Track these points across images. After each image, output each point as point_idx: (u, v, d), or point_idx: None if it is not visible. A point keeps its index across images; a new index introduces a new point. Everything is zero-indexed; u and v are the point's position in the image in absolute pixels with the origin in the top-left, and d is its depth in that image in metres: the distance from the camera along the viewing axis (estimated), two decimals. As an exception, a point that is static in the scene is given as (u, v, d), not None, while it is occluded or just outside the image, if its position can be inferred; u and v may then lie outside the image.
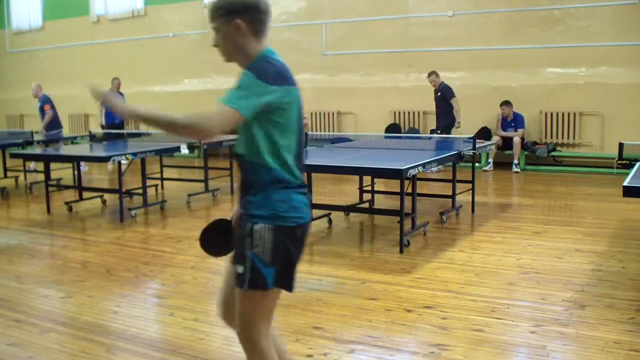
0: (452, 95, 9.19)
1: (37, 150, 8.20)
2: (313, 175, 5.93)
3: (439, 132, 9.19)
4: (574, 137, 9.64)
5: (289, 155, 2.02)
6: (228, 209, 7.08)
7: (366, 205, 6.55)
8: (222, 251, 2.37)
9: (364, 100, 11.11)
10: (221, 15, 2.05)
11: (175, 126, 1.89)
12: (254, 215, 2.00)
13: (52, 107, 10.00)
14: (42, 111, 9.95)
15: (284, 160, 2.00)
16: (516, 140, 9.44)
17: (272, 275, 1.99)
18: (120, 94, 10.86)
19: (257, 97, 1.90)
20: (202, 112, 1.90)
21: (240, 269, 2.02)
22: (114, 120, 10.73)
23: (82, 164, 9.05)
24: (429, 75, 9.44)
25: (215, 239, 2.37)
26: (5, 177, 8.98)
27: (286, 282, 2.05)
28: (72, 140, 9.81)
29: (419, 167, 4.90)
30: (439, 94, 9.34)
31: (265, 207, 1.99)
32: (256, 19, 2.05)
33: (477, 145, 6.07)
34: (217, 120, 1.88)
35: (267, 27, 2.09)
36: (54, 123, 10.06)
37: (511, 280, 4.16)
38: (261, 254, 1.98)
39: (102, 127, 10.70)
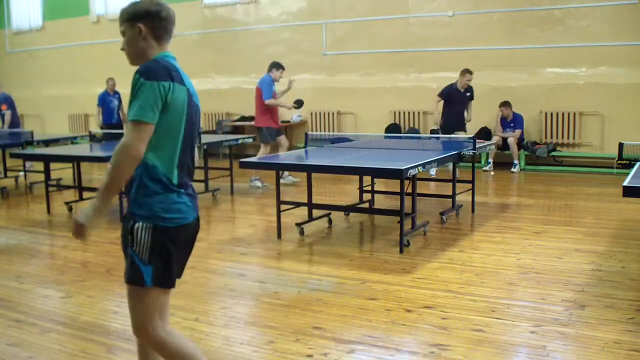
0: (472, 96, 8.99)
1: (38, 150, 8.20)
2: (313, 175, 5.94)
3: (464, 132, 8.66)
4: (574, 137, 9.64)
5: (172, 155, 2.09)
6: (228, 209, 7.08)
7: (366, 205, 6.55)
8: None
9: (364, 100, 11.11)
10: (126, 19, 2.16)
11: (113, 177, 1.98)
12: (134, 214, 2.07)
13: (10, 107, 9.93)
14: None
15: (165, 159, 2.07)
16: (511, 140, 9.43)
17: (150, 274, 2.08)
18: (116, 93, 10.85)
19: (153, 99, 1.99)
20: (118, 146, 2.00)
21: (127, 263, 2.10)
22: (111, 120, 10.74)
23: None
24: (468, 72, 8.77)
25: None
26: (5, 177, 8.98)
27: (165, 281, 2.14)
28: (72, 140, 9.81)
29: (419, 167, 4.90)
30: (468, 94, 8.93)
31: (144, 206, 2.06)
32: (157, 24, 2.17)
33: (477, 145, 6.08)
34: (133, 140, 1.97)
35: (169, 33, 2.25)
36: (13, 123, 9.98)
37: (511, 280, 4.16)
38: (140, 252, 2.06)
39: (101, 127, 10.71)
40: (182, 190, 2.12)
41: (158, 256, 2.07)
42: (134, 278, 2.09)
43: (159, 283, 2.11)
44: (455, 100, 8.84)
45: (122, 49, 2.21)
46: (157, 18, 2.17)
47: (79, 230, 2.04)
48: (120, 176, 1.99)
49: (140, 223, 2.05)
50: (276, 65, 8.09)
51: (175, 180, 2.10)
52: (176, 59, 2.24)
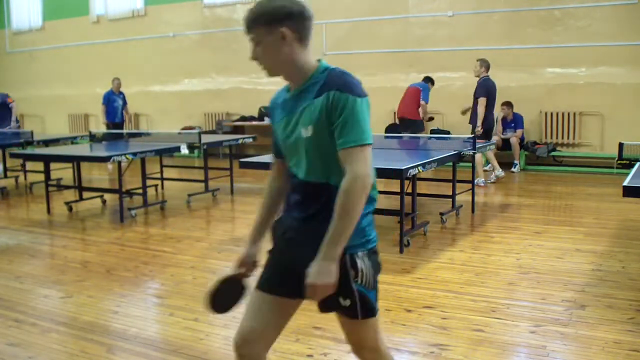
0: (480, 93, 8.11)
1: (38, 150, 8.20)
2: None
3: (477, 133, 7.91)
4: (574, 137, 9.64)
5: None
6: (228, 209, 7.08)
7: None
8: (229, 306, 2.30)
9: (363, 100, 11.10)
10: (262, 24, 1.82)
11: (353, 218, 1.76)
12: (349, 247, 1.81)
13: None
14: None
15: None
16: (513, 140, 9.43)
17: (375, 296, 1.91)
18: (121, 93, 10.87)
19: (369, 117, 1.81)
20: (352, 173, 1.74)
21: (347, 302, 1.86)
22: (114, 119, 10.76)
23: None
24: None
25: (224, 295, 2.27)
26: (5, 177, 8.98)
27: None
28: (72, 140, 9.81)
29: (419, 167, 4.89)
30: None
31: (359, 233, 1.84)
32: (302, 25, 1.84)
33: (477, 145, 6.07)
34: (367, 167, 1.76)
35: (305, 36, 1.86)
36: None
37: (511, 280, 4.16)
38: (366, 282, 1.85)
39: (108, 126, 10.72)
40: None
41: (377, 275, 1.91)
42: (369, 312, 1.89)
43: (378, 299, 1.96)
44: (493, 97, 8.22)
45: (254, 59, 1.88)
46: (300, 18, 1.83)
47: (326, 291, 1.78)
48: (358, 214, 1.76)
49: (360, 253, 1.84)
50: (431, 81, 9.60)
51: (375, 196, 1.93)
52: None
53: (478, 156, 7.80)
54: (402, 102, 9.37)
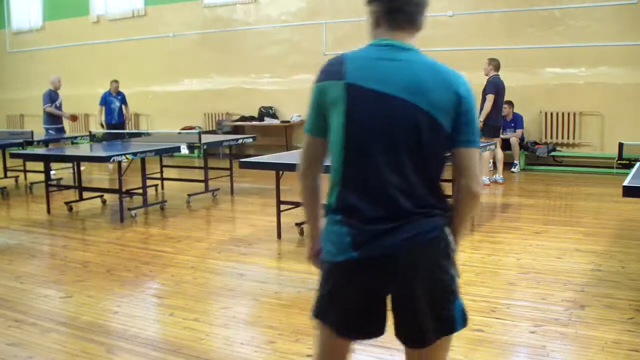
0: (489, 91, 8.12)
1: (38, 150, 8.20)
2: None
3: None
4: (573, 137, 9.63)
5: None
6: (228, 209, 7.08)
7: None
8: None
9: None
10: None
11: (471, 213, 1.79)
12: (440, 224, 1.74)
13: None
14: None
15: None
16: (513, 140, 9.43)
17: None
18: (119, 94, 10.87)
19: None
20: (469, 185, 1.72)
21: (454, 310, 1.75)
22: (111, 120, 10.77)
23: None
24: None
25: None
26: (5, 177, 8.98)
27: None
28: (72, 140, 9.81)
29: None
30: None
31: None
32: (371, 9, 1.76)
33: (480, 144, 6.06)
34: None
35: (387, 17, 1.72)
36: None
37: (511, 280, 4.16)
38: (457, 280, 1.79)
39: (102, 125, 10.74)
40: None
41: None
42: (465, 320, 1.79)
43: None
44: (502, 96, 8.25)
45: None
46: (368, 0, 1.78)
47: None
48: (471, 215, 1.82)
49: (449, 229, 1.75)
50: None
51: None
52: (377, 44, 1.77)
53: (485, 154, 7.83)
54: None
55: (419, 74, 1.67)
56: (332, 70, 1.70)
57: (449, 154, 1.73)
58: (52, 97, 9.95)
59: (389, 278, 1.69)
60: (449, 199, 1.77)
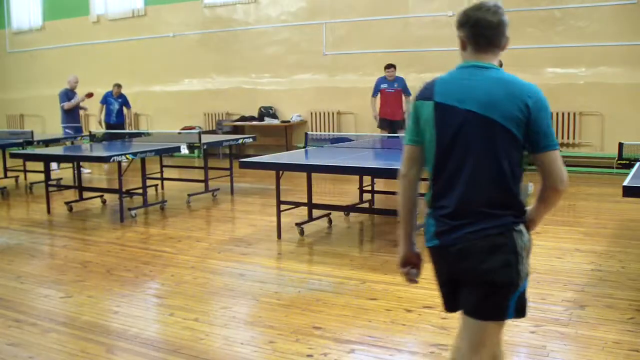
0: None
1: (38, 150, 8.20)
2: (313, 175, 5.93)
3: None
4: (574, 137, 9.63)
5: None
6: (228, 209, 7.08)
7: (366, 205, 6.55)
8: None
9: (364, 100, 11.09)
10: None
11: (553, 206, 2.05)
12: (514, 222, 1.99)
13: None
14: None
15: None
16: None
17: None
18: (120, 97, 10.89)
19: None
20: (557, 186, 2.02)
21: (510, 300, 2.04)
22: (109, 120, 10.80)
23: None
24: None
25: None
26: (6, 177, 8.98)
27: None
28: (72, 140, 9.82)
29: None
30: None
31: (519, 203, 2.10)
32: (459, 34, 2.04)
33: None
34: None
35: (471, 41, 2.00)
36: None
37: (511, 280, 4.15)
38: (525, 270, 2.03)
39: (101, 124, 10.78)
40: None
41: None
42: (524, 309, 2.09)
43: None
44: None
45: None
46: (459, 26, 2.04)
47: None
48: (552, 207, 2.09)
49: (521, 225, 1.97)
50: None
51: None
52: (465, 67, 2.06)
53: None
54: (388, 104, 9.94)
55: (491, 89, 1.92)
56: (426, 91, 2.04)
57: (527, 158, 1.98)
58: (68, 96, 10.18)
59: (455, 263, 2.01)
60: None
